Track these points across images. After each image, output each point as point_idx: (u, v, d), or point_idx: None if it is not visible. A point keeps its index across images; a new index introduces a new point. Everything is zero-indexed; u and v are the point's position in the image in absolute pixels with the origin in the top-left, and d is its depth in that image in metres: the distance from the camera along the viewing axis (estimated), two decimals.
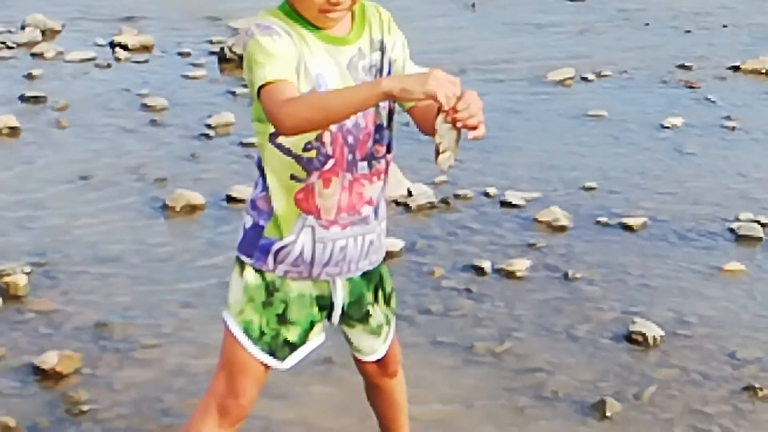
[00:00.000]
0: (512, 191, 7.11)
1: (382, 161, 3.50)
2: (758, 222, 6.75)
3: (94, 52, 9.75)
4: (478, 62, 9.91)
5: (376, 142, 3.46)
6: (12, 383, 4.91)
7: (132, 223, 6.85)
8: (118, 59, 9.65)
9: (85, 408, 4.64)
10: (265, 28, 3.25)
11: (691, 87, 9.40)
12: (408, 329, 5.48)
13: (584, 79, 9.47)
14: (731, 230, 6.75)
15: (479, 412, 4.96)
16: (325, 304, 3.57)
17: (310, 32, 3.31)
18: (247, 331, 3.48)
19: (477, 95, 3.08)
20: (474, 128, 3.06)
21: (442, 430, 4.83)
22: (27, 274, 6.02)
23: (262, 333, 3.49)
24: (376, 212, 3.55)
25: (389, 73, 3.42)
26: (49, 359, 4.97)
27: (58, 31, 10.19)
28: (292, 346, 3.55)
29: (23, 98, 8.62)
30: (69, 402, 4.75)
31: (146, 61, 9.65)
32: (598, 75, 9.57)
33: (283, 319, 3.51)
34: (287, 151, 3.36)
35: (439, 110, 3.07)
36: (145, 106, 8.55)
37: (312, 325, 3.57)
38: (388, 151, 3.54)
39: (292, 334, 3.52)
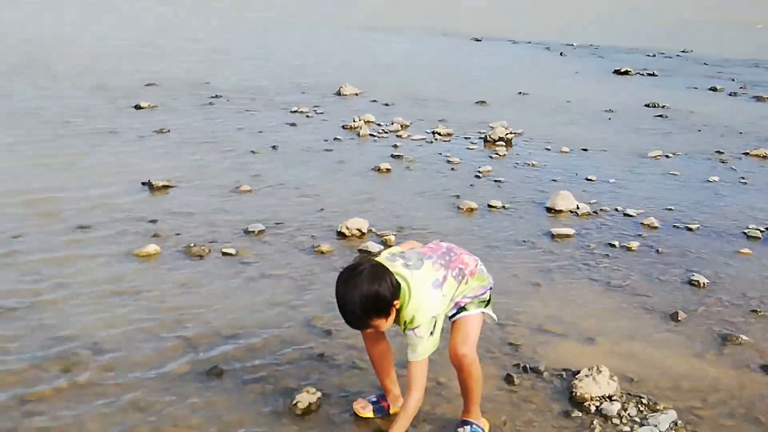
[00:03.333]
0: (630, 209, 7.01)
1: None
2: (759, 230, 6.61)
3: (424, 135, 9.63)
4: (613, 147, 9.73)
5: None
6: None
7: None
8: (435, 140, 9.48)
9: None
10: None
11: (722, 162, 9.13)
12: (578, 273, 5.58)
13: (667, 156, 9.24)
14: (744, 233, 6.59)
15: (610, 314, 4.96)
16: None
17: None
18: None
19: None
20: None
21: (600, 319, 4.86)
22: (394, 235, 5.91)
23: None
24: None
25: (432, 332, 3.16)
26: None
27: (408, 125, 10.02)
28: None
29: (392, 156, 8.49)
30: None
31: (449, 141, 9.44)
32: (674, 154, 9.33)
33: None
34: None
35: None
36: (448, 161, 8.39)
37: None
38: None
39: None
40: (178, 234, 5.81)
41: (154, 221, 6.04)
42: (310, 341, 4.32)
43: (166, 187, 6.90)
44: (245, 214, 6.34)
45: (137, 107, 10.28)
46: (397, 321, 3.17)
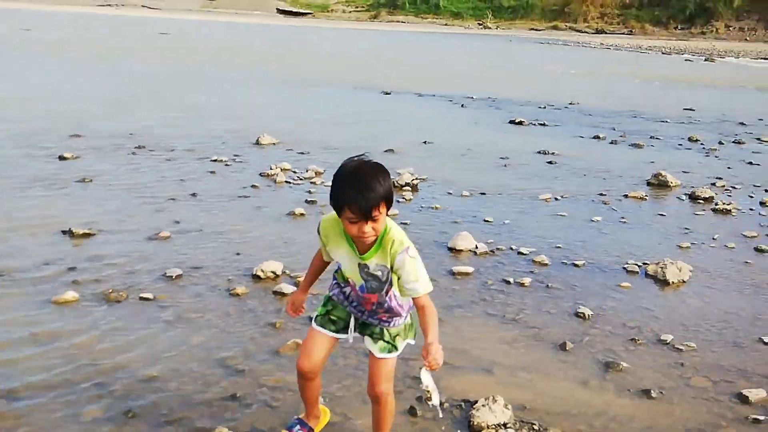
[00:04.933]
0: (523, 247, 7.10)
1: (379, 314, 3.16)
2: (637, 264, 6.78)
3: None
4: (509, 191, 9.88)
5: (378, 307, 3.13)
6: None
7: None
8: None
9: None
10: (318, 231, 3.12)
11: (605, 203, 9.34)
12: (476, 308, 5.62)
13: (556, 199, 9.39)
14: (624, 268, 6.75)
15: (505, 346, 5.00)
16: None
17: (346, 242, 3.01)
18: (314, 317, 3.28)
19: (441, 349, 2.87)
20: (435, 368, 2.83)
21: (497, 351, 4.88)
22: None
23: (318, 316, 3.26)
24: (385, 324, 3.20)
25: (388, 280, 3.03)
26: None
27: (322, 173, 9.89)
28: (337, 326, 3.24)
29: (306, 201, 8.36)
30: None
31: None
32: (562, 197, 9.49)
33: (329, 313, 3.25)
34: (339, 276, 3.20)
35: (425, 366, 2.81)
36: None
37: (346, 324, 3.24)
38: (388, 311, 3.14)
39: (334, 321, 3.23)
40: (97, 281, 5.60)
41: (73, 268, 5.81)
42: (224, 381, 4.20)
43: (86, 234, 6.66)
44: (164, 259, 6.18)
45: (61, 158, 9.95)
46: (382, 253, 2.95)
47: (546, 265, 6.71)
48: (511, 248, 7.12)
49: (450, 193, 9.40)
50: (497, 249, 7.07)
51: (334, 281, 3.27)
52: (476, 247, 6.98)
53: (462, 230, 7.32)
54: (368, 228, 2.80)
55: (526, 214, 8.61)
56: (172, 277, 5.75)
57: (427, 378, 2.78)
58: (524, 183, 10.33)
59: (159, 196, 8.32)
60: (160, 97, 17.19)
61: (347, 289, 3.18)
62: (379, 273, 2.99)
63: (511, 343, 5.02)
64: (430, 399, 2.81)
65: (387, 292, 3.07)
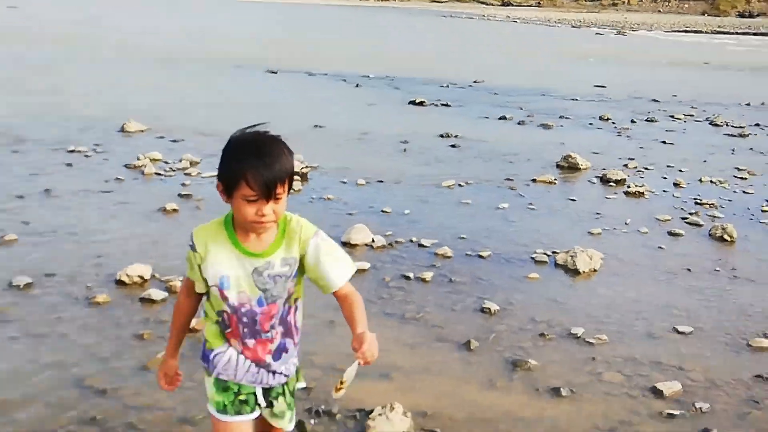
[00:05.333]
0: (424, 239, 7.16)
1: (276, 330, 2.77)
2: (545, 254, 6.95)
3: (215, 171, 9.27)
4: (408, 178, 9.92)
5: (275, 319, 2.76)
6: None
7: None
8: None
9: None
10: (191, 246, 2.69)
11: (512, 189, 9.51)
12: (372, 307, 5.62)
13: (460, 185, 9.48)
14: (532, 258, 6.91)
15: (405, 348, 5.04)
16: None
17: (232, 245, 2.65)
18: (218, 408, 2.81)
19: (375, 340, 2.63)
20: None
21: (395, 353, 4.88)
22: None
23: (224, 405, 2.80)
24: (277, 356, 2.81)
25: (294, 274, 2.71)
26: None
27: (198, 162, 9.72)
28: (251, 405, 2.83)
29: (180, 195, 8.19)
30: None
31: None
32: (466, 183, 9.61)
33: (236, 396, 2.80)
34: (210, 310, 2.77)
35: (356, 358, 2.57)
36: None
37: (256, 398, 2.83)
38: (284, 323, 2.80)
39: (246, 402, 2.82)
40: None
41: None
42: (83, 404, 4.06)
43: None
44: (10, 266, 5.90)
45: None
46: (289, 243, 2.68)
47: (449, 257, 6.79)
48: (411, 240, 7.17)
49: (344, 182, 9.39)
50: (396, 242, 7.11)
51: (211, 354, 2.82)
52: (373, 241, 6.99)
53: (357, 222, 7.33)
54: (268, 209, 2.54)
55: (427, 202, 8.68)
56: (20, 286, 5.51)
57: (351, 373, 2.59)
58: (425, 169, 10.41)
59: (4, 193, 7.96)
60: (5, 80, 16.44)
61: (233, 354, 2.81)
62: (286, 269, 2.68)
63: (412, 344, 5.06)
64: (339, 390, 2.60)
65: (289, 297, 2.78)
